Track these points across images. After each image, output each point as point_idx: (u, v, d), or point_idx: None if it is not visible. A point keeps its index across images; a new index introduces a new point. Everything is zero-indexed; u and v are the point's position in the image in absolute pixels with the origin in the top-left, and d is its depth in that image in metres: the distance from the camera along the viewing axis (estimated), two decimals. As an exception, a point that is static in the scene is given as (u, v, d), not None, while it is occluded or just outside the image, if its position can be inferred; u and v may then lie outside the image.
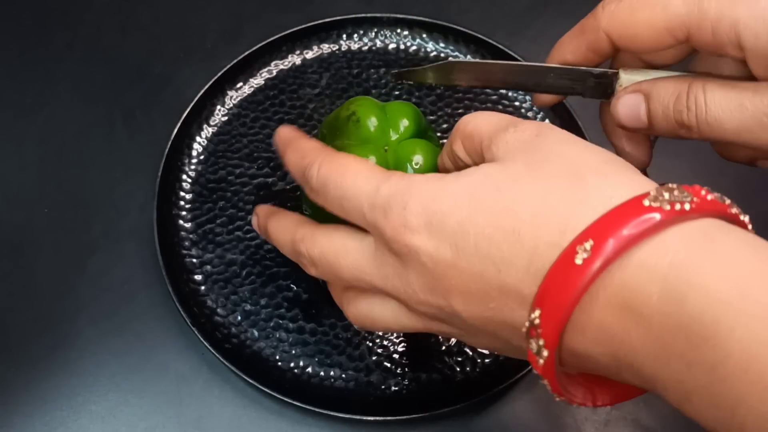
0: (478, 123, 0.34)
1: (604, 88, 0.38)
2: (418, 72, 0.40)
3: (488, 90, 0.54)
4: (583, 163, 0.30)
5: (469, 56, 0.55)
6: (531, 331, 0.28)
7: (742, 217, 0.29)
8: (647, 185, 0.29)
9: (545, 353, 0.28)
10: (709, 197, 0.28)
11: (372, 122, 0.41)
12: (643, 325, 0.27)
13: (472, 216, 0.30)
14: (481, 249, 0.30)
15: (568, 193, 0.29)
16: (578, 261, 0.27)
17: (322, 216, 0.42)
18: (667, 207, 0.27)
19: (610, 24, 0.35)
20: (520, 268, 0.29)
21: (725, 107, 0.34)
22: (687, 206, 0.27)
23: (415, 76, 0.40)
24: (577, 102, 0.52)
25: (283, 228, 0.39)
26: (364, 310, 0.36)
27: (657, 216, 0.27)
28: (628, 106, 0.36)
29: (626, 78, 0.37)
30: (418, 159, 0.40)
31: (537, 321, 0.28)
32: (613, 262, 0.27)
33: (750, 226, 0.29)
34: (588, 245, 0.27)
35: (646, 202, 0.27)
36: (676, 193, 0.28)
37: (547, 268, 0.28)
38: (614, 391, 0.31)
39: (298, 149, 0.37)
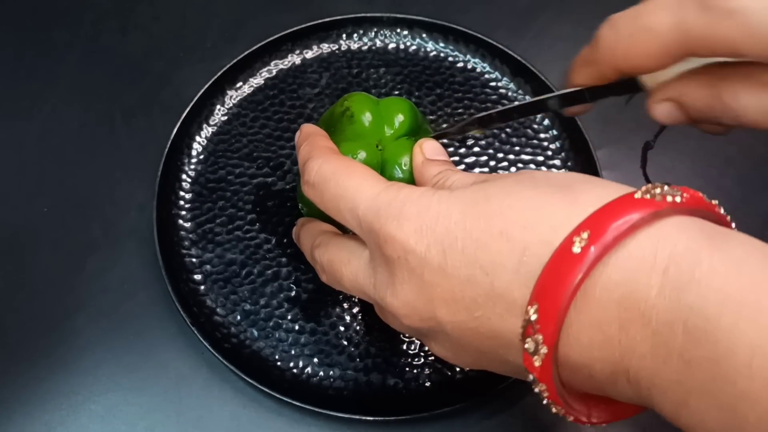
0: (456, 183, 0.35)
1: (627, 86, 0.37)
2: (454, 129, 0.42)
3: (488, 90, 0.54)
4: (568, 179, 0.31)
5: (469, 56, 0.55)
6: (528, 330, 0.28)
7: (728, 219, 0.29)
8: (629, 187, 0.29)
9: (543, 350, 0.27)
10: (700, 196, 0.28)
11: (366, 117, 0.42)
12: (641, 321, 0.26)
13: (461, 221, 0.30)
14: (468, 253, 0.30)
15: (558, 199, 0.29)
16: (576, 249, 0.27)
17: (316, 213, 0.43)
18: (659, 199, 0.27)
19: (609, 59, 0.34)
20: (509, 270, 0.29)
21: (761, 110, 0.32)
22: (678, 199, 0.27)
23: (453, 131, 0.42)
24: (577, 102, 0.52)
25: (307, 234, 0.41)
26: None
27: (650, 207, 0.27)
28: (664, 113, 0.36)
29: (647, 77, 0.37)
30: (406, 160, 0.40)
31: (534, 317, 0.27)
32: (611, 249, 0.26)
33: (733, 225, 0.29)
34: (585, 234, 0.27)
35: (638, 195, 0.28)
36: (666, 188, 0.28)
37: (539, 268, 0.28)
38: (610, 409, 0.31)
39: (311, 143, 0.39)
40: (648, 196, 0.27)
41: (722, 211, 0.29)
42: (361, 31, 0.56)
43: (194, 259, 0.48)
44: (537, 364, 0.28)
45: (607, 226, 0.26)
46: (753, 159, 0.53)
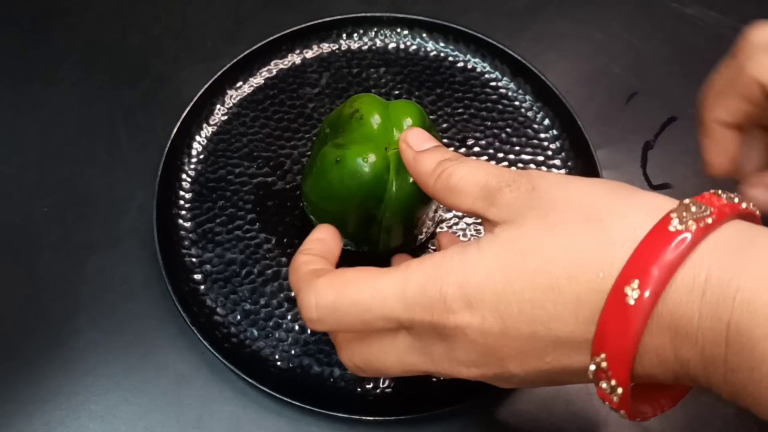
0: (463, 181, 0.34)
1: None
2: None
3: (488, 90, 0.54)
4: (590, 204, 0.31)
5: (469, 56, 0.55)
6: (599, 374, 0.29)
7: (751, 207, 0.30)
8: (659, 206, 0.30)
9: (620, 391, 0.29)
10: (723, 201, 0.29)
11: (375, 120, 0.41)
12: (690, 342, 0.28)
13: (507, 285, 0.31)
14: (525, 313, 0.30)
15: (593, 238, 0.30)
16: (630, 301, 0.28)
17: (324, 216, 0.43)
18: (693, 227, 0.28)
19: (761, 70, 0.35)
20: (568, 321, 0.30)
21: None
22: (709, 220, 0.28)
23: None
24: (578, 102, 0.52)
25: (321, 329, 0.37)
26: (372, 359, 0.37)
27: (688, 237, 0.28)
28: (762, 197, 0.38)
29: None
30: None
31: (604, 365, 0.29)
32: (661, 293, 0.28)
33: (758, 212, 0.30)
34: (635, 284, 0.28)
35: (672, 227, 0.28)
36: (693, 209, 0.29)
37: (596, 313, 0.29)
38: (671, 393, 0.33)
39: (293, 270, 0.36)
40: (682, 226, 0.28)
41: (744, 205, 0.30)
42: (361, 31, 0.56)
43: (194, 259, 0.48)
44: (615, 400, 0.30)
45: (653, 270, 0.28)
46: (753, 159, 0.53)
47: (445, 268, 0.32)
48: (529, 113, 0.53)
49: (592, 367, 0.30)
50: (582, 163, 0.51)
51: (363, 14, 0.56)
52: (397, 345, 0.34)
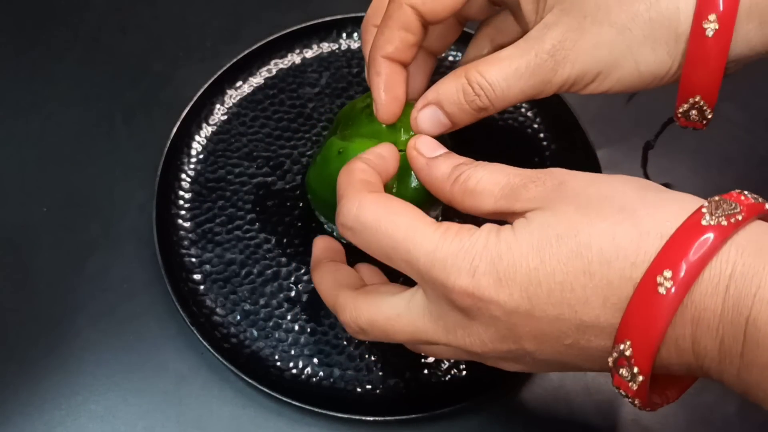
0: (482, 182, 0.34)
1: None
2: None
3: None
4: (622, 197, 0.31)
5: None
6: (621, 361, 0.30)
7: None
8: (689, 201, 0.31)
9: (640, 378, 0.30)
10: (751, 201, 0.30)
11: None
12: (710, 335, 0.29)
13: (540, 266, 0.31)
14: (554, 295, 0.31)
15: (627, 227, 0.30)
16: (661, 291, 0.29)
17: (324, 207, 0.43)
18: (725, 222, 0.29)
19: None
20: (595, 306, 0.30)
21: (505, 77, 0.37)
22: (739, 217, 0.29)
23: None
24: (578, 102, 0.52)
25: (324, 289, 0.39)
26: (425, 350, 0.38)
27: (718, 232, 0.29)
28: (428, 119, 0.39)
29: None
30: None
31: (628, 352, 0.30)
32: (692, 284, 0.29)
33: None
34: (668, 274, 0.29)
35: (705, 222, 0.29)
36: (725, 206, 0.29)
37: (624, 300, 0.30)
38: (678, 385, 0.33)
39: (348, 172, 0.37)
40: (714, 221, 0.29)
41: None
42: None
43: (194, 259, 0.48)
44: (634, 388, 0.30)
45: (684, 263, 0.29)
46: (753, 159, 0.53)
47: (481, 243, 0.32)
48: (530, 113, 0.53)
49: (615, 354, 0.30)
50: (582, 163, 0.51)
51: (363, 14, 0.55)
52: (411, 307, 0.35)
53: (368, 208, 0.34)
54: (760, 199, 0.31)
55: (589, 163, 0.50)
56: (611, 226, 0.30)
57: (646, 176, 0.51)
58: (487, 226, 0.33)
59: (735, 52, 0.36)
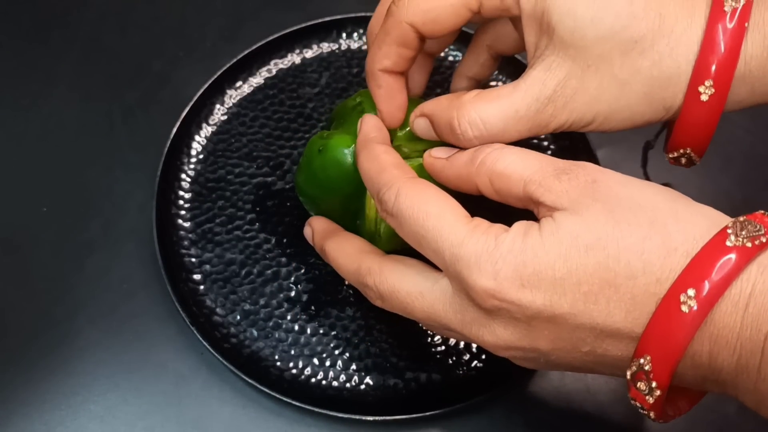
0: (514, 165, 0.34)
1: None
2: None
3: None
4: (654, 207, 0.32)
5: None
6: (639, 375, 0.31)
7: None
8: (717, 219, 0.31)
9: (657, 393, 0.31)
10: None
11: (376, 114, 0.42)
12: (728, 351, 0.30)
13: (567, 276, 0.31)
14: (577, 306, 0.31)
15: (656, 242, 0.30)
16: (684, 309, 0.29)
17: (312, 204, 0.43)
18: (749, 244, 0.29)
19: (410, 15, 0.37)
20: (618, 318, 0.31)
21: (504, 118, 0.36)
22: (764, 239, 0.30)
23: None
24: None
25: (345, 255, 0.40)
26: (438, 331, 0.38)
27: (742, 258, 0.29)
28: (422, 128, 0.40)
29: None
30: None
31: (648, 367, 0.30)
32: (715, 304, 0.29)
33: None
34: (691, 292, 0.29)
35: (729, 243, 0.30)
36: (749, 227, 0.30)
37: (646, 315, 0.30)
38: (689, 396, 0.34)
39: (376, 158, 0.37)
40: (739, 242, 0.30)
41: None
42: (361, 31, 0.56)
43: (194, 259, 0.48)
44: (650, 401, 0.31)
45: (707, 282, 0.29)
46: (753, 159, 0.53)
47: (506, 247, 0.32)
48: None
49: (633, 368, 0.31)
50: (582, 163, 0.50)
51: (363, 14, 0.56)
52: (434, 291, 0.35)
53: (405, 195, 0.35)
54: None
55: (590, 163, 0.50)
56: (641, 241, 0.31)
57: (646, 176, 0.51)
58: (515, 228, 0.33)
59: (725, 109, 0.36)
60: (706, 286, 0.29)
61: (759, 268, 0.30)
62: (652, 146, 0.50)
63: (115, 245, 0.49)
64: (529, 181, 0.33)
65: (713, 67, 0.35)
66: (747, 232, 0.30)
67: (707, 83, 0.35)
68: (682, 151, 0.38)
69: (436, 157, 0.38)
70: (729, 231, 0.30)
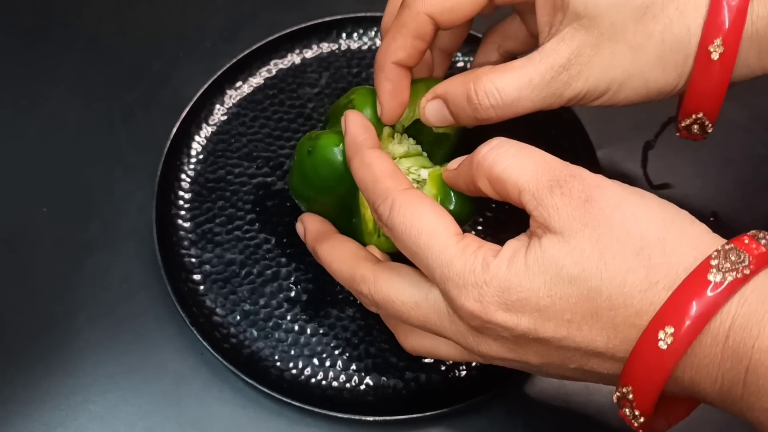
0: (509, 170, 0.34)
1: None
2: None
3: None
4: (643, 237, 0.31)
5: (469, 56, 0.55)
6: (623, 401, 0.32)
7: None
8: (707, 245, 0.31)
9: (642, 419, 0.31)
10: (763, 250, 0.30)
11: (366, 112, 0.42)
12: (710, 379, 0.30)
13: (550, 305, 0.32)
14: (560, 331, 0.32)
15: (640, 276, 0.31)
16: (662, 346, 0.30)
17: (316, 209, 0.43)
18: (730, 277, 0.29)
19: (428, 5, 0.38)
20: (600, 344, 0.32)
21: (518, 87, 0.37)
22: (747, 271, 0.30)
23: None
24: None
25: (339, 261, 0.40)
26: (428, 347, 0.38)
27: (724, 286, 0.29)
28: (433, 111, 0.40)
29: None
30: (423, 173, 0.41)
31: (630, 396, 0.31)
32: (692, 342, 0.30)
33: None
34: (669, 330, 0.30)
35: (711, 277, 0.30)
36: (733, 257, 0.30)
37: (628, 342, 0.31)
38: (688, 403, 0.34)
39: (369, 167, 0.37)
40: (720, 276, 0.30)
41: None
42: (361, 31, 0.56)
43: (194, 259, 0.48)
44: (636, 425, 0.32)
45: (686, 320, 0.29)
46: (753, 159, 0.53)
47: (492, 271, 0.32)
48: (529, 113, 0.53)
49: (618, 395, 0.32)
50: (582, 163, 0.50)
51: (363, 14, 0.56)
52: (429, 299, 0.35)
53: (398, 210, 0.35)
54: None
55: (590, 163, 0.50)
56: (624, 273, 0.31)
57: (646, 176, 0.51)
58: (504, 252, 0.33)
59: (734, 74, 0.37)
60: (685, 323, 0.29)
61: (740, 300, 0.30)
62: (652, 146, 0.50)
63: (115, 245, 0.49)
64: (523, 190, 0.33)
65: (722, 26, 0.35)
66: (730, 263, 0.30)
67: (717, 41, 0.36)
68: (694, 116, 0.38)
69: (449, 169, 0.38)
70: (712, 262, 0.30)
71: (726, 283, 0.29)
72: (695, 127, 0.39)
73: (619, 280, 0.31)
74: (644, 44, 0.37)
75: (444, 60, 0.45)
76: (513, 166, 0.34)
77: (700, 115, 0.38)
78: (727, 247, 0.30)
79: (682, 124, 0.39)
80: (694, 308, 0.29)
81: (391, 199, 0.35)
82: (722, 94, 0.37)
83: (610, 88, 0.38)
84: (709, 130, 0.39)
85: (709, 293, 0.29)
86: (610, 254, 0.31)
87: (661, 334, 0.30)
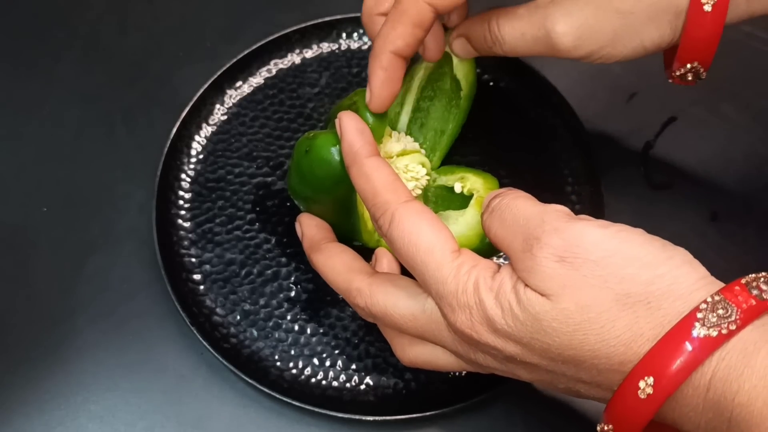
0: (497, 238, 0.35)
1: None
2: None
3: (488, 89, 0.54)
4: (627, 293, 0.31)
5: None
6: None
7: None
8: (697, 294, 0.30)
9: None
10: (752, 303, 0.30)
11: (368, 115, 0.42)
12: (692, 424, 0.30)
13: (533, 343, 0.32)
14: (544, 363, 0.33)
15: (622, 329, 0.31)
16: (642, 395, 0.30)
17: (305, 204, 0.43)
18: (714, 333, 0.29)
19: None
20: (585, 378, 0.32)
21: (513, 36, 0.42)
22: (733, 326, 0.29)
23: None
24: (578, 102, 0.52)
25: (335, 272, 0.40)
26: (426, 358, 0.38)
27: (701, 347, 0.29)
28: (460, 47, 0.46)
29: None
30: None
31: None
32: (672, 393, 0.30)
33: None
34: (650, 381, 0.30)
35: (695, 332, 0.29)
36: (720, 311, 0.29)
37: (611, 382, 0.31)
38: (671, 430, 0.34)
39: (368, 179, 0.37)
40: (705, 331, 0.29)
41: None
42: (361, 31, 0.56)
43: (194, 259, 0.48)
44: None
45: (668, 373, 0.29)
46: (753, 159, 0.53)
47: (482, 295, 0.33)
48: (529, 113, 0.53)
49: (602, 427, 0.32)
50: (582, 163, 0.50)
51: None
52: (425, 310, 0.35)
53: (396, 225, 0.35)
54: (766, 295, 0.30)
55: (590, 163, 0.50)
56: (608, 330, 0.31)
57: (646, 176, 0.51)
58: (494, 283, 0.33)
59: (727, 22, 0.39)
60: (666, 376, 0.29)
61: (721, 353, 0.29)
62: (652, 146, 0.50)
63: (115, 245, 0.49)
64: (510, 253, 0.34)
65: None
66: (717, 318, 0.29)
67: None
68: (689, 66, 0.41)
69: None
70: (698, 315, 0.29)
71: (709, 338, 0.29)
72: (689, 75, 0.41)
73: (602, 337, 0.31)
74: (633, 8, 0.39)
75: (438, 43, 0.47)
76: (498, 235, 0.35)
77: (695, 64, 0.40)
78: (716, 298, 0.30)
79: (677, 73, 0.41)
80: (675, 363, 0.29)
81: (391, 212, 0.35)
82: (716, 42, 0.39)
83: (605, 46, 0.40)
84: (702, 77, 0.41)
85: (689, 348, 0.29)
86: (594, 312, 0.31)
87: (641, 384, 0.30)
